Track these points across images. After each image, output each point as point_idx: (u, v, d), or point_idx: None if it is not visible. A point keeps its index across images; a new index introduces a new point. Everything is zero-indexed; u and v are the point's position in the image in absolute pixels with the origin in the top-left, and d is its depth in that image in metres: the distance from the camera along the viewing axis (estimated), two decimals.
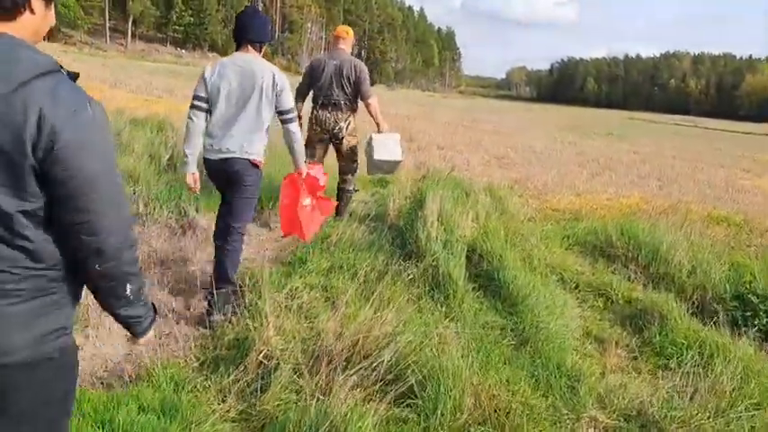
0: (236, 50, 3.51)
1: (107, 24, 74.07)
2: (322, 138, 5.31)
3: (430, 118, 21.71)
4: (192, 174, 3.60)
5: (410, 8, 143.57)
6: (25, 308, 1.27)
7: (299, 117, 5.07)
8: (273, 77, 3.43)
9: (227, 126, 3.42)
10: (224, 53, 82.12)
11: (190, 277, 4.10)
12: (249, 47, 3.47)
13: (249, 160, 3.46)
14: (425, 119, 20.49)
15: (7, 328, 1.25)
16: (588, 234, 5.47)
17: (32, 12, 1.24)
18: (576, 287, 4.45)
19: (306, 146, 4.26)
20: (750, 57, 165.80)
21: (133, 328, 1.51)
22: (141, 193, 5.32)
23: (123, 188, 1.39)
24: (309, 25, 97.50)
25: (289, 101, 3.52)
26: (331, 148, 5.47)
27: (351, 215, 5.35)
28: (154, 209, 5.21)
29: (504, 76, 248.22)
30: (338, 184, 5.50)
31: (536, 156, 13.02)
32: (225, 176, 3.53)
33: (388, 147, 5.28)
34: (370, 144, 5.38)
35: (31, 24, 1.25)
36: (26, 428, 1.35)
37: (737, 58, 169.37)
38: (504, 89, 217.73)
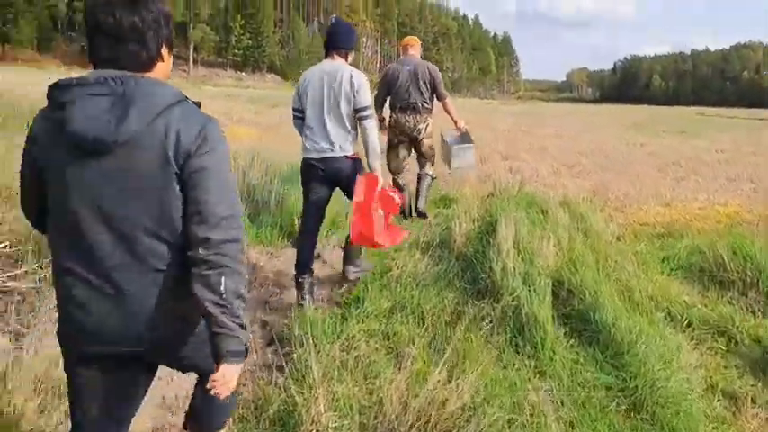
0: (324, 59, 3.78)
1: None
2: (402, 140, 5.59)
3: (488, 126, 20.88)
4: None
5: (465, 17, 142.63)
6: (172, 300, 1.56)
7: (382, 120, 5.50)
8: (351, 76, 3.63)
9: (319, 128, 3.69)
10: (282, 74, 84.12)
11: None
12: (335, 54, 3.74)
13: (346, 156, 3.71)
14: (484, 127, 19.69)
15: (156, 322, 1.54)
16: (691, 254, 4.66)
17: (162, 60, 1.58)
18: (689, 324, 3.68)
19: (388, 150, 4.42)
20: None
21: (220, 345, 1.52)
22: None
23: (235, 190, 1.60)
24: (364, 40, 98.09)
25: (365, 99, 3.66)
26: None
27: (413, 243, 4.75)
28: None
29: (564, 79, 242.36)
30: (417, 173, 5.81)
31: (609, 161, 12.04)
32: (323, 175, 3.74)
33: (465, 157, 5.80)
34: (446, 145, 5.85)
35: (162, 69, 1.59)
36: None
37: None
38: (565, 92, 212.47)
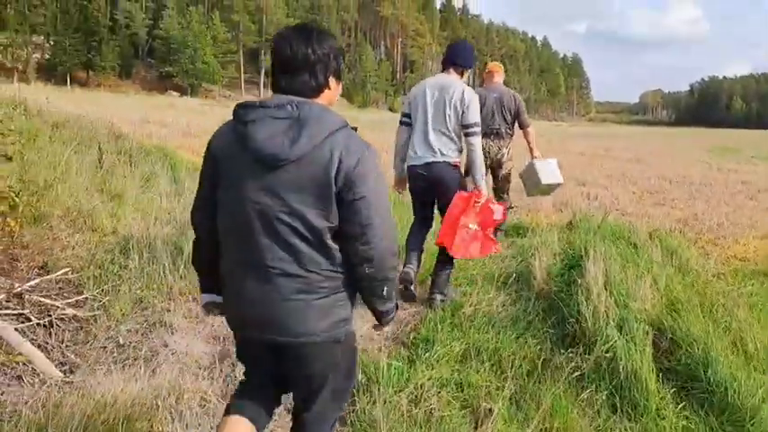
0: (441, 72, 4.00)
1: (242, 78, 79.60)
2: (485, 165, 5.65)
3: (561, 149, 20.13)
4: (401, 177, 4.13)
5: (533, 38, 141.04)
6: (326, 302, 1.75)
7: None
8: (463, 92, 3.79)
9: (423, 136, 3.85)
10: (348, 96, 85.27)
11: None
12: (452, 69, 3.94)
13: (448, 162, 3.84)
14: (555, 150, 18.99)
15: (313, 317, 1.74)
16: None
17: (329, 88, 1.78)
18: None
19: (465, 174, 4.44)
20: None
21: (380, 319, 1.91)
22: None
23: (389, 209, 1.78)
24: (430, 63, 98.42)
25: (474, 116, 3.80)
26: None
27: (487, 277, 4.35)
28: None
29: (637, 100, 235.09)
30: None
31: (695, 187, 11.19)
32: (427, 183, 3.88)
33: (552, 171, 5.76)
34: (532, 168, 5.74)
35: (328, 96, 1.79)
36: (318, 387, 1.86)
37: None
38: (638, 114, 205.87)
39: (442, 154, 3.79)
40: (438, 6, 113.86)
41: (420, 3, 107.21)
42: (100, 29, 65.47)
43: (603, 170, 13.55)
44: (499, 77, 5.79)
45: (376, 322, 1.94)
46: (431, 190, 3.93)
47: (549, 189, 5.99)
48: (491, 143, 5.49)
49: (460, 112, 3.75)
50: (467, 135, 3.79)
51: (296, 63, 1.71)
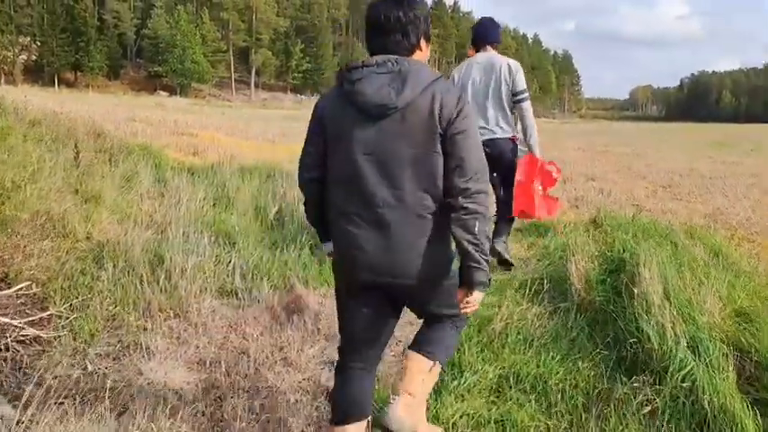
0: (477, 52, 4.22)
1: (233, 77, 78.75)
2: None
3: (558, 145, 19.64)
4: None
5: (524, 35, 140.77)
6: (432, 244, 1.88)
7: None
8: (509, 65, 4.07)
9: (482, 113, 4.01)
10: None
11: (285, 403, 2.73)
12: (488, 47, 4.20)
13: (508, 138, 4.09)
14: (553, 146, 18.52)
15: (420, 260, 1.87)
16: None
17: (420, 49, 1.96)
18: None
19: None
20: None
21: (470, 275, 1.89)
22: (238, 261, 4.15)
23: (481, 145, 1.92)
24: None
25: (521, 83, 4.05)
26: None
27: (517, 284, 3.79)
28: (253, 280, 4.02)
29: (627, 96, 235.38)
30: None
31: (707, 181, 10.67)
32: (490, 159, 3.62)
33: None
34: None
35: (420, 56, 1.95)
36: (435, 311, 2.08)
37: None
38: (628, 110, 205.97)
39: (503, 130, 4.05)
40: (429, 3, 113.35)
41: None
42: (87, 29, 64.51)
43: (609, 165, 13.02)
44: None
45: (467, 285, 1.92)
46: (493, 164, 3.68)
47: None
48: None
49: (510, 83, 4.00)
50: (518, 102, 4.04)
51: (389, 25, 1.88)
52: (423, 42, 1.95)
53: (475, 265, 1.86)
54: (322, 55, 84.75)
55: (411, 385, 2.06)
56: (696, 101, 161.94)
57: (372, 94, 1.80)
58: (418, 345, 2.13)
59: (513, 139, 4.12)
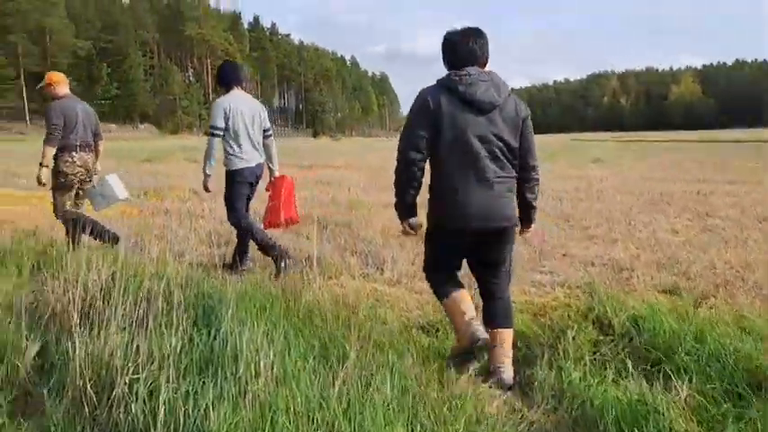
0: (233, 91, 4.88)
1: (26, 106, 69.11)
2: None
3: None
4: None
5: (342, 57, 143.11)
6: (513, 198, 2.83)
7: None
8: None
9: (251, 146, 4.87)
10: (156, 122, 78.37)
11: None
12: (240, 87, 4.96)
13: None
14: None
15: (511, 208, 2.80)
16: None
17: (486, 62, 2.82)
18: None
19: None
20: (671, 68, 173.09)
21: (532, 218, 3.02)
22: None
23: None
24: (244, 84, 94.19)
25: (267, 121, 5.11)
26: None
27: None
28: None
29: None
30: None
31: (576, 200, 9.70)
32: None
33: (122, 186, 5.57)
34: (107, 183, 5.40)
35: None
36: (505, 252, 2.91)
37: (659, 70, 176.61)
38: None
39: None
40: (246, 26, 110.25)
41: (227, 22, 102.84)
42: None
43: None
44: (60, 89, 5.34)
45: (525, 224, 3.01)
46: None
47: (116, 203, 5.67)
48: (88, 156, 5.32)
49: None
50: (266, 137, 5.04)
51: (474, 49, 2.76)
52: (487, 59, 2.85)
53: (534, 211, 3.00)
54: (132, 79, 77.78)
55: (509, 352, 2.84)
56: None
57: (483, 95, 2.66)
58: (503, 321, 2.89)
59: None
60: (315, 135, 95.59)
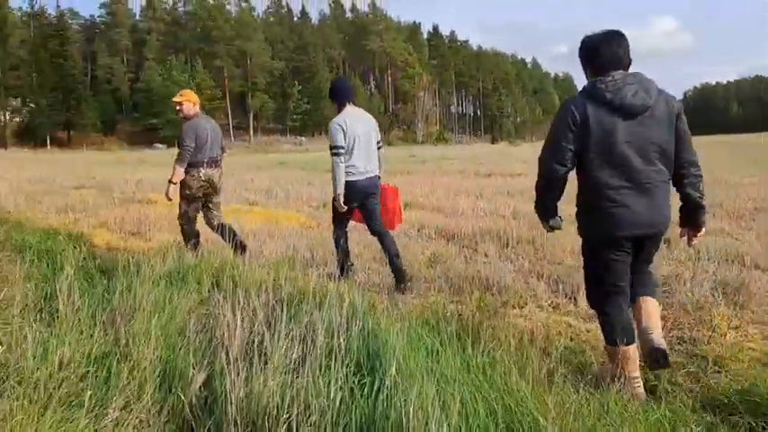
0: (349, 107, 4.99)
1: (231, 123, 77.23)
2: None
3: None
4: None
5: (523, 60, 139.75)
6: (667, 200, 2.71)
7: None
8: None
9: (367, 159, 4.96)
10: None
11: None
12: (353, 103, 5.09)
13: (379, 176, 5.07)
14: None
15: (667, 211, 2.72)
16: None
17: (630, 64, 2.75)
18: None
19: None
20: None
21: (701, 219, 2.82)
22: None
23: None
24: (422, 94, 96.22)
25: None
26: None
27: None
28: None
29: None
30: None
31: None
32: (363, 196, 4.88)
33: None
34: None
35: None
36: (655, 252, 2.93)
37: None
38: None
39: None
40: (425, 35, 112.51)
41: (407, 33, 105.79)
42: (77, 86, 63.00)
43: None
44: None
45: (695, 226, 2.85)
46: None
47: None
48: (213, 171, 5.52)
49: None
50: (379, 148, 5.15)
51: (620, 53, 2.69)
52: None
53: (702, 211, 2.80)
54: (320, 95, 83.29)
55: (657, 319, 2.82)
56: (703, 113, 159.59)
57: (633, 98, 2.59)
58: (649, 291, 2.91)
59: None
60: (493, 141, 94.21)
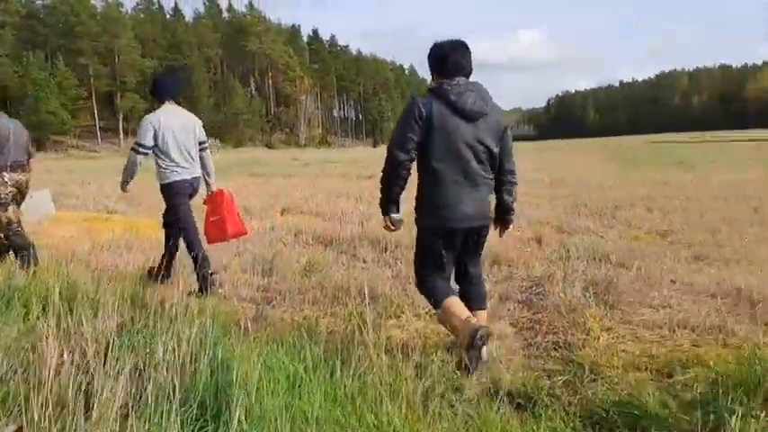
0: (167, 104, 4.81)
1: (98, 124, 71.93)
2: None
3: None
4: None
5: (401, 66, 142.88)
6: (490, 197, 3.04)
7: None
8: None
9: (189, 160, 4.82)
10: (220, 136, 79.91)
11: None
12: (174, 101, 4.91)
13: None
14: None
15: (489, 207, 3.04)
16: None
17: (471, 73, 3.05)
18: None
19: None
20: (745, 65, 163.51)
21: (510, 219, 3.20)
22: None
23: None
24: (304, 97, 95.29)
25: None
26: None
27: None
28: None
29: None
30: None
31: (708, 221, 8.46)
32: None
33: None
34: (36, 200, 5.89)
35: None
36: (480, 250, 3.18)
37: (734, 67, 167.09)
38: None
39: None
40: (305, 39, 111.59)
41: (286, 36, 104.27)
42: None
43: (556, 202, 10.60)
44: None
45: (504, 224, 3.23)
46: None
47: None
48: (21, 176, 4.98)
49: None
50: (204, 149, 4.93)
51: (464, 62, 2.97)
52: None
53: (512, 213, 3.18)
54: (196, 95, 79.85)
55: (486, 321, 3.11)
56: (563, 120, 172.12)
57: (472, 105, 2.85)
58: (482, 305, 3.18)
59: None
60: (374, 144, 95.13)
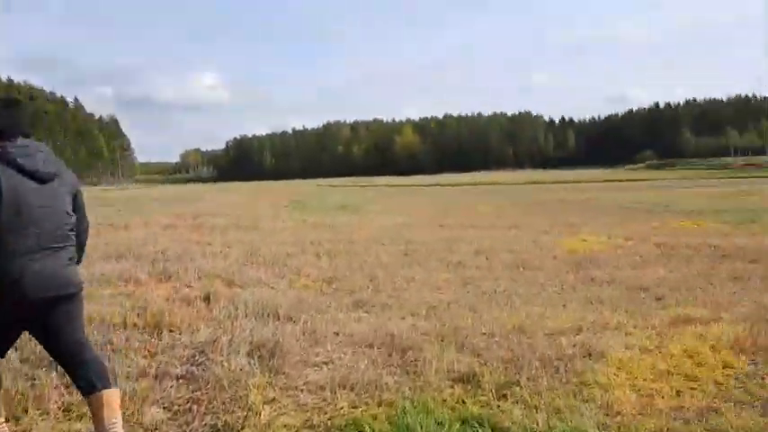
0: None
1: None
2: None
3: (141, 222, 16.16)
4: None
5: (63, 98, 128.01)
6: (74, 263, 2.78)
7: None
8: None
9: None
10: None
11: None
12: None
13: None
14: (137, 225, 15.00)
15: (76, 273, 2.77)
16: None
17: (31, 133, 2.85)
18: None
19: None
20: (394, 120, 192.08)
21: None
22: None
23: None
24: None
25: None
26: None
27: None
28: None
29: (178, 160, 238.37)
30: None
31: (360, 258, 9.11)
32: None
33: None
34: None
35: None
36: (81, 318, 2.81)
37: (385, 121, 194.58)
38: (180, 172, 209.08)
39: None
40: None
41: None
42: None
43: (232, 251, 10.29)
44: None
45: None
46: None
47: None
48: None
49: None
50: None
51: (25, 121, 2.76)
52: None
53: (81, 259, 2.96)
54: None
55: (118, 412, 2.67)
56: (242, 162, 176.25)
57: (43, 167, 2.60)
58: (105, 383, 2.68)
59: None
60: None
